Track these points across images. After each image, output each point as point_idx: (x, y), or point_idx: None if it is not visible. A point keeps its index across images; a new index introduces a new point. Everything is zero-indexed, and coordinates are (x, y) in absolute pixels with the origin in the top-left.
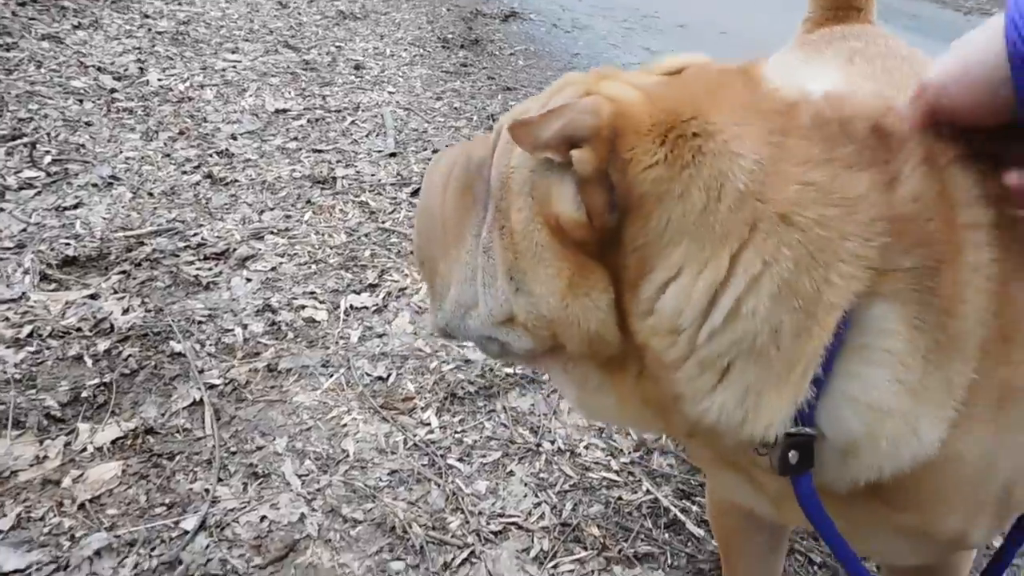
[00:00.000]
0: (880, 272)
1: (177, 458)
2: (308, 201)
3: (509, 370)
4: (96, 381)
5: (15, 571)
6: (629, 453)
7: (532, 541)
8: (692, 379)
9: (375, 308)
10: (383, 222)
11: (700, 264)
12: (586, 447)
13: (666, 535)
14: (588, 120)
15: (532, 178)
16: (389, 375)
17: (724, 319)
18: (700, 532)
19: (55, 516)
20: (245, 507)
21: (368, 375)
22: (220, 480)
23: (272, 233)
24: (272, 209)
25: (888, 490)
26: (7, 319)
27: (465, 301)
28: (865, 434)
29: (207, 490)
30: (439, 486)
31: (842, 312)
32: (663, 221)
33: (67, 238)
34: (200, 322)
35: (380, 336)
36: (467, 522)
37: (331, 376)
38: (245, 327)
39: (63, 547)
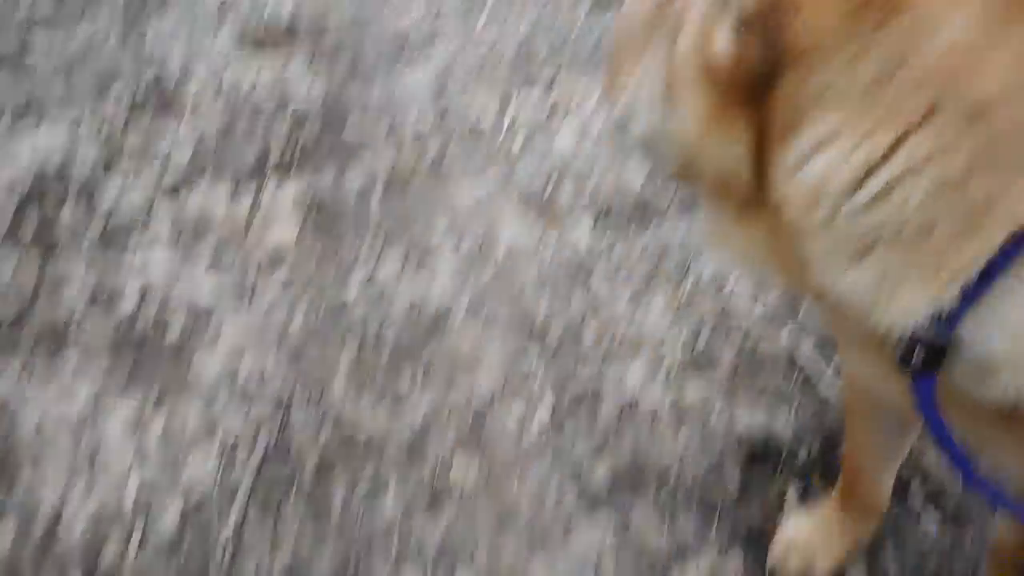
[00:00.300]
0: None
1: (346, 236)
2: None
3: (671, 195)
4: (278, 154)
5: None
6: (775, 300)
7: (661, 362)
8: (827, 251)
9: (543, 117)
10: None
11: (860, 136)
12: (734, 287)
13: (794, 388)
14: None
15: (703, 5)
16: (547, 186)
17: (872, 199)
18: (830, 396)
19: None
20: (399, 285)
21: (530, 177)
22: (378, 258)
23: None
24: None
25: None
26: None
27: (649, 95)
28: (1009, 359)
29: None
30: (582, 298)
31: (1014, 230)
32: (826, 83)
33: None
34: (374, 109)
35: (542, 148)
36: (602, 335)
37: (492, 179)
38: (415, 120)
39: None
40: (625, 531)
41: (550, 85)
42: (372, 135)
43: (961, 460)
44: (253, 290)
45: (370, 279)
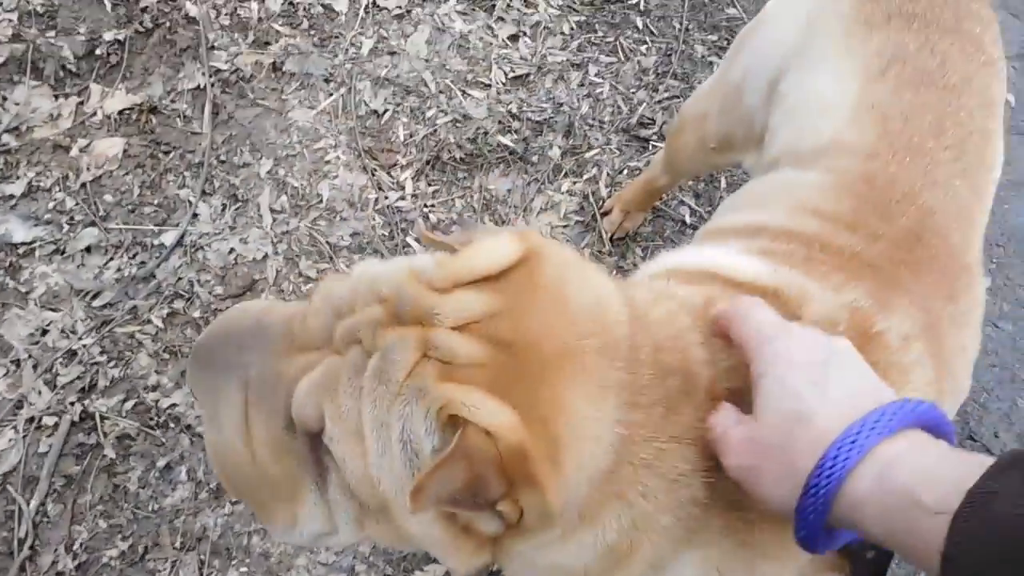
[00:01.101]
0: None
1: (172, 154)
2: None
3: (504, 140)
4: (112, 36)
5: (21, 243)
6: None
7: None
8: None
9: (397, 13)
10: None
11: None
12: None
13: None
14: (492, 472)
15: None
16: (386, 111)
17: None
18: None
19: (60, 191)
20: (219, 234)
21: (366, 104)
22: (204, 193)
23: None
24: None
25: None
26: None
27: (321, 532)
28: None
29: (190, 201)
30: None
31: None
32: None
33: None
34: None
35: (391, 54)
36: None
37: (330, 95)
38: (263, 2)
39: (63, 229)
40: None
41: None
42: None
43: None
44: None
45: (187, 231)
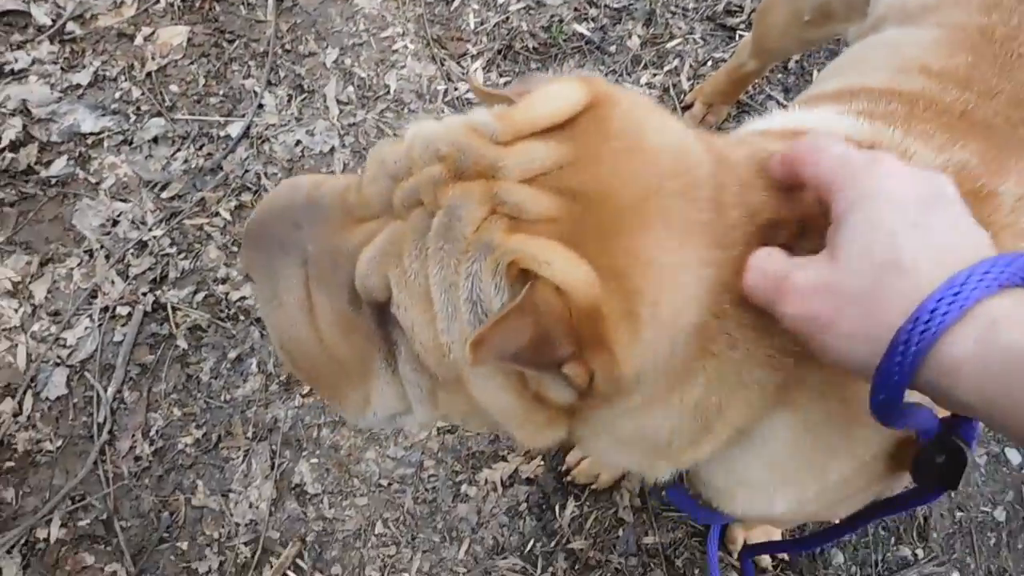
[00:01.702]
0: None
1: (236, 43)
2: None
3: (580, 28)
4: None
5: (90, 133)
6: None
7: None
8: (607, 451)
9: None
10: None
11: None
12: None
13: None
14: (560, 331)
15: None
16: None
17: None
18: None
19: (126, 80)
20: (285, 125)
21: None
22: (270, 83)
23: None
24: None
25: None
26: None
27: (394, 412)
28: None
29: (255, 92)
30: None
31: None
32: (635, 379)
33: None
34: None
35: None
36: None
37: None
38: None
39: (130, 120)
40: (450, 432)
41: None
42: None
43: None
44: (130, 143)
45: (252, 121)
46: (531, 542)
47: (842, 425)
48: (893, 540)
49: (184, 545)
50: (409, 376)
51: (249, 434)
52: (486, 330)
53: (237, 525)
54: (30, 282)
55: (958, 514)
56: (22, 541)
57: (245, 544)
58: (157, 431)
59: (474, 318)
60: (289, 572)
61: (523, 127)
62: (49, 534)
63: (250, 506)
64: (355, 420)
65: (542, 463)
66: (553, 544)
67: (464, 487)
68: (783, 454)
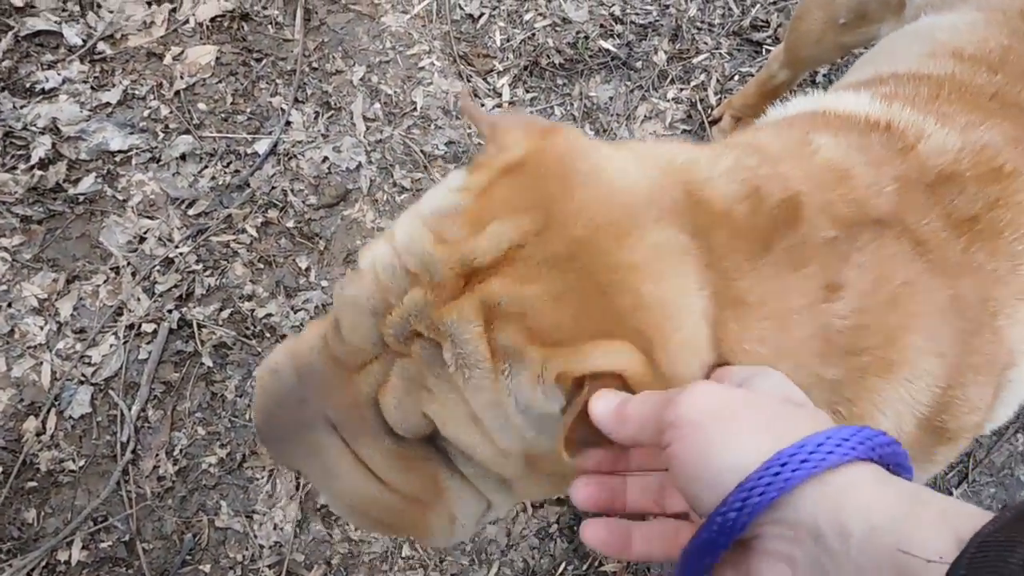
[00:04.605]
0: None
1: (264, 62)
2: None
3: (606, 44)
4: None
5: (118, 151)
6: None
7: None
8: None
9: None
10: None
11: None
12: None
13: None
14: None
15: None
16: (482, 15)
17: None
18: None
19: (155, 99)
20: (312, 142)
21: (461, 8)
22: (297, 101)
23: None
24: None
25: None
26: None
27: (478, 514)
28: None
29: (283, 109)
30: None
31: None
32: None
33: None
34: None
35: None
36: None
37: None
38: None
39: (158, 137)
40: None
41: None
42: None
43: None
44: (158, 160)
45: (279, 139)
46: (562, 565)
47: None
48: None
49: (207, 568)
50: (478, 475)
51: None
52: (568, 434)
53: (261, 547)
54: (56, 299)
55: None
56: (43, 564)
57: (269, 567)
58: (181, 450)
59: (531, 422)
60: None
61: (483, 214)
62: (70, 556)
63: (275, 528)
64: (449, 542)
65: None
66: (585, 567)
67: None
68: None
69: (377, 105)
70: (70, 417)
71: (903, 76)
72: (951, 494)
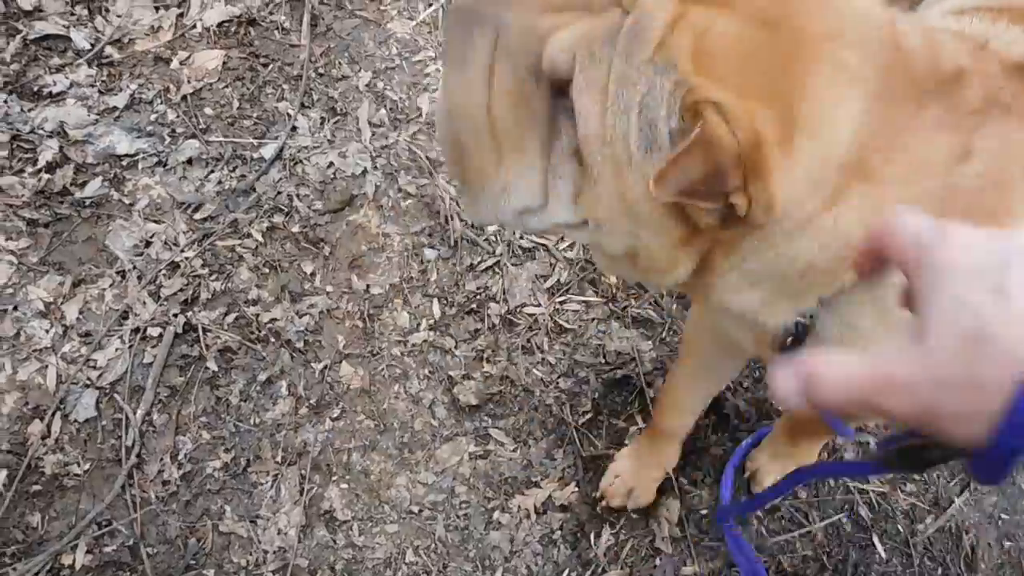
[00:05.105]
0: None
1: (270, 67)
2: None
3: None
4: None
5: (125, 155)
6: None
7: (552, 270)
8: (733, 287)
9: None
10: None
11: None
12: None
13: (674, 307)
14: (730, 164)
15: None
16: None
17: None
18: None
19: (162, 103)
20: (318, 147)
21: None
22: (303, 106)
23: None
24: None
25: None
26: None
27: (527, 205)
28: (838, 340)
29: (289, 115)
30: None
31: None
32: (788, 204)
33: None
34: None
35: None
36: (502, 232)
37: (430, 5)
38: None
39: (165, 142)
40: (482, 458)
41: None
42: None
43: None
44: (164, 165)
45: (285, 144)
46: (566, 572)
47: None
48: (940, 571)
49: (211, 573)
50: (559, 169)
51: (278, 458)
52: (666, 168)
53: (265, 552)
54: (62, 303)
55: (1006, 543)
56: (47, 568)
57: (273, 572)
58: (185, 455)
59: (641, 123)
60: None
61: None
62: (75, 560)
63: (279, 532)
64: (483, 209)
65: (576, 490)
66: (588, 574)
67: (496, 514)
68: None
69: (383, 111)
70: (75, 421)
71: None
72: (953, 503)
